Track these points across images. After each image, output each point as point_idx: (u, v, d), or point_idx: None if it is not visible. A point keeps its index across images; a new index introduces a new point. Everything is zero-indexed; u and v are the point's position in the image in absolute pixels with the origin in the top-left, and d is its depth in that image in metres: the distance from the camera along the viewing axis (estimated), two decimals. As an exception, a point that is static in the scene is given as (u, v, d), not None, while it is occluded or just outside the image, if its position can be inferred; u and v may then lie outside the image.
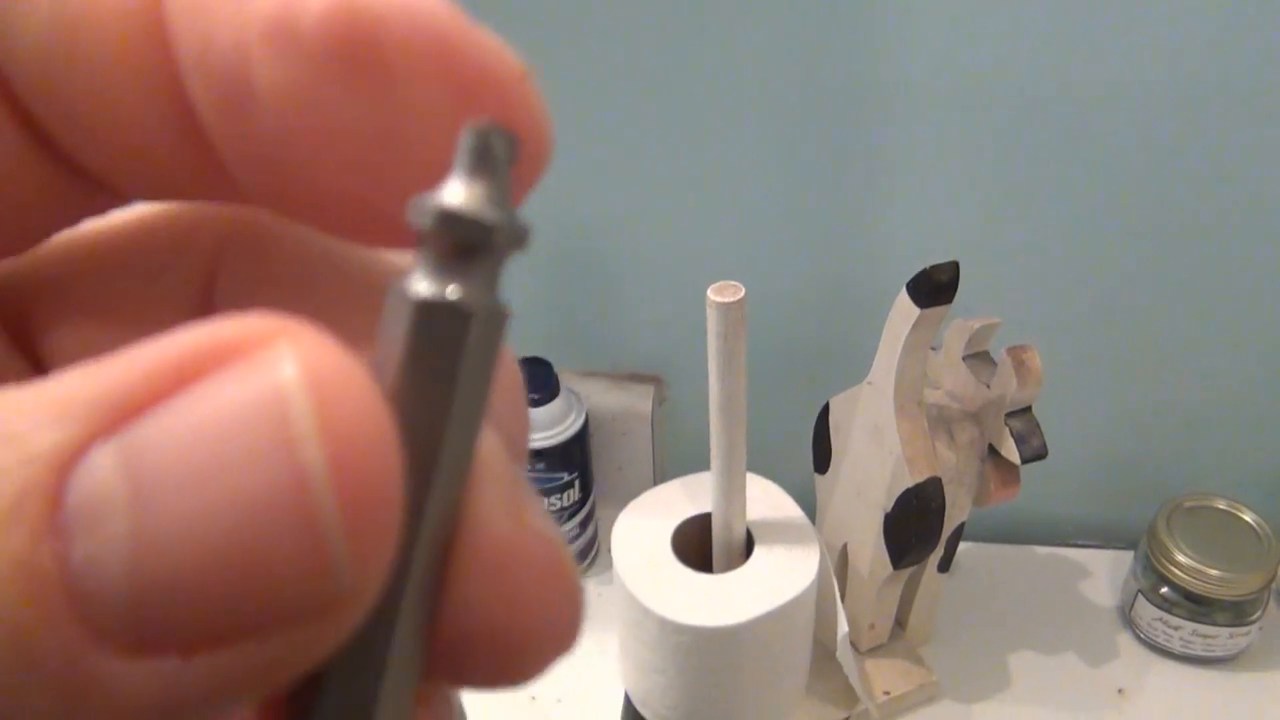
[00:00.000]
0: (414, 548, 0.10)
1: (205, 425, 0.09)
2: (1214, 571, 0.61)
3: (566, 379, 0.69)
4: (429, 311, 0.10)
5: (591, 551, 0.74)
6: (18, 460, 0.08)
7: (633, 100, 0.62)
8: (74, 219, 0.13)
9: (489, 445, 0.12)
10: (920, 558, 0.57)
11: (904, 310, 0.50)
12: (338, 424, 0.09)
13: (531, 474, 0.66)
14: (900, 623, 0.66)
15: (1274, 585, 0.62)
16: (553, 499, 0.68)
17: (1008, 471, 0.56)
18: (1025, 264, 0.65)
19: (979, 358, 0.56)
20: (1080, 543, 0.74)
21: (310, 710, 0.10)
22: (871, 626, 0.63)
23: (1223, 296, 0.65)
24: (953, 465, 0.55)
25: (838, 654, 0.55)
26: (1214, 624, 0.62)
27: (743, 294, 0.40)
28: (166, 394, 0.09)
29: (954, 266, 0.48)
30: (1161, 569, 0.63)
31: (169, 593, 0.08)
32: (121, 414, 0.09)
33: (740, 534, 0.48)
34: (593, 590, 0.72)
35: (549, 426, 0.66)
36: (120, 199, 0.13)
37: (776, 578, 0.45)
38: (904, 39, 0.58)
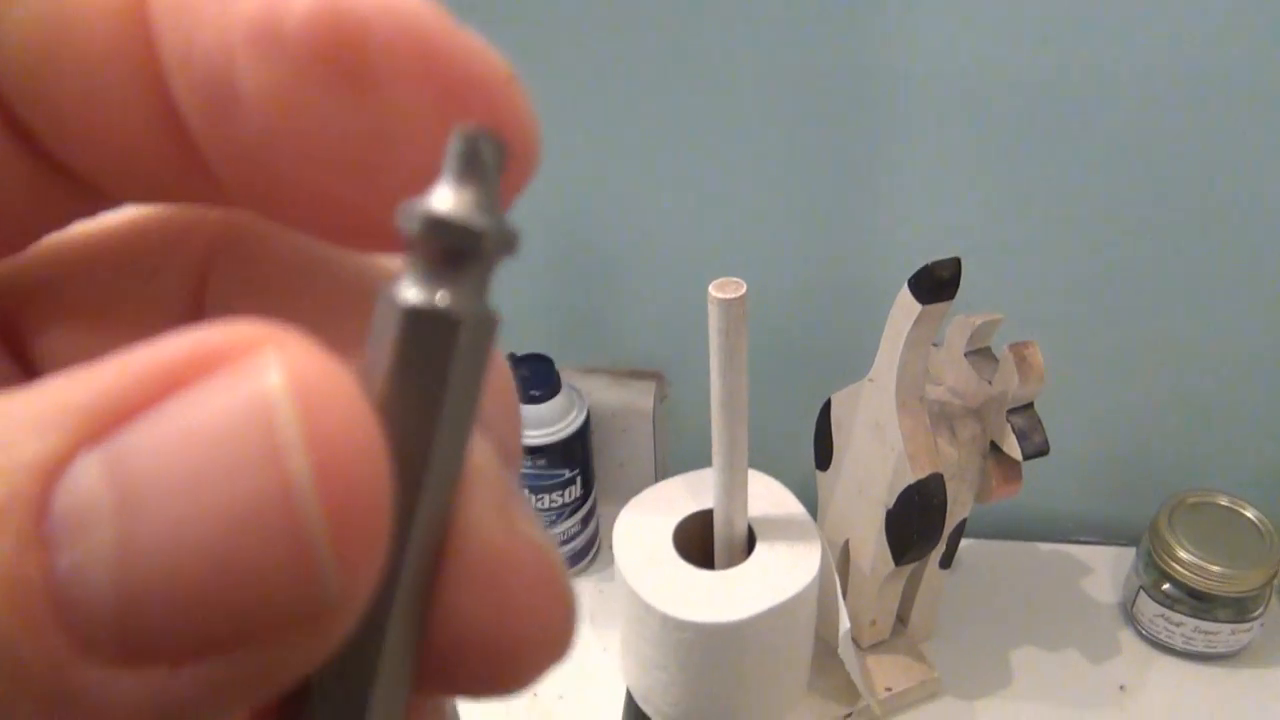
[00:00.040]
0: (403, 555, 0.10)
1: (191, 433, 0.09)
2: (1216, 568, 0.61)
3: (568, 376, 0.69)
4: (418, 319, 0.10)
5: (593, 548, 0.74)
6: (2, 469, 0.08)
7: (634, 96, 0.62)
8: (63, 221, 0.13)
9: (480, 451, 0.12)
10: (922, 554, 0.57)
11: (906, 306, 0.50)
12: (323, 432, 0.09)
13: (533, 470, 0.66)
14: (902, 619, 0.66)
15: (1276, 582, 0.62)
16: (554, 496, 0.68)
17: (1010, 468, 0.56)
18: (1027, 260, 0.65)
19: (981, 354, 0.56)
20: (1082, 539, 0.74)
21: None
22: (873, 623, 0.63)
23: (1225, 292, 0.64)
24: (954, 462, 0.55)
25: (839, 650, 0.55)
26: (1216, 620, 0.62)
27: (744, 290, 0.40)
28: (152, 401, 0.09)
29: (956, 262, 0.48)
30: (1163, 565, 0.63)
31: (156, 602, 0.08)
32: (107, 422, 0.09)
33: (742, 530, 0.48)
34: (594, 587, 0.72)
35: (550, 423, 0.66)
36: (109, 201, 0.13)
37: (778, 574, 0.45)
38: (906, 34, 0.58)
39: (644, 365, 0.74)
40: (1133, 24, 0.56)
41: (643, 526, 0.49)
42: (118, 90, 0.11)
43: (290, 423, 0.09)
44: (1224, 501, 0.65)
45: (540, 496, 0.67)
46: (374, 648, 0.10)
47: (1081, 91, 0.58)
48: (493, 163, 0.10)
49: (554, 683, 0.64)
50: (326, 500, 0.09)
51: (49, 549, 0.08)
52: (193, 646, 0.09)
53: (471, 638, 0.11)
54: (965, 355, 0.56)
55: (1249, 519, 0.64)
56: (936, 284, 0.48)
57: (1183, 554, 0.62)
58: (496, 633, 0.11)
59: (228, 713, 0.09)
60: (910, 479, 0.53)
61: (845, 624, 0.54)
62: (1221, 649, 0.64)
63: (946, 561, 0.62)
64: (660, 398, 0.74)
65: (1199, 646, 0.64)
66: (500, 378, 0.13)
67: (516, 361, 0.66)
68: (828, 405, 0.60)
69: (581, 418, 0.67)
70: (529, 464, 0.66)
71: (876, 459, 0.55)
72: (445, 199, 0.10)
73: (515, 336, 0.70)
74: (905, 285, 0.50)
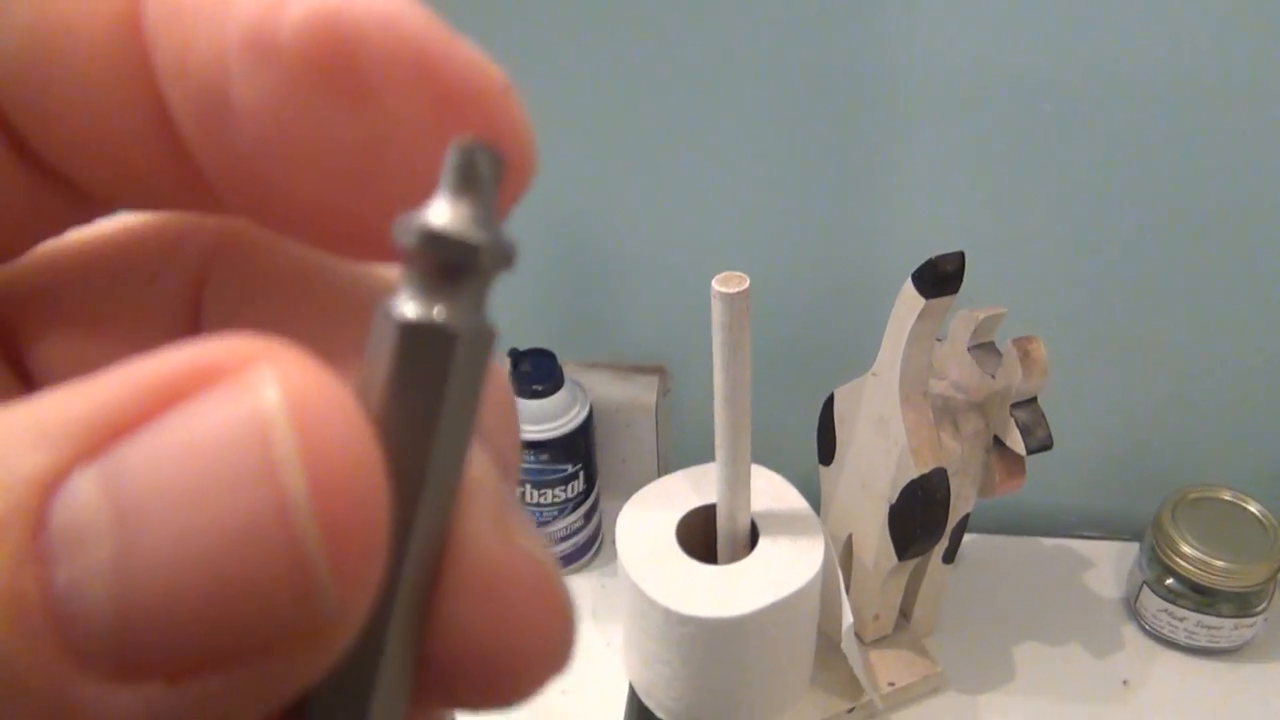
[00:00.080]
0: (401, 569, 0.10)
1: (187, 449, 0.09)
2: (1219, 563, 0.61)
3: (570, 370, 0.69)
4: (414, 333, 0.10)
5: (595, 543, 0.74)
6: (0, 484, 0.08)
7: (637, 92, 0.62)
8: (58, 228, 0.13)
9: (478, 465, 0.12)
10: (925, 549, 0.57)
11: (909, 300, 0.50)
12: (320, 447, 0.09)
13: (535, 465, 0.66)
14: (905, 614, 0.66)
15: (1279, 576, 0.62)
16: (556, 491, 0.68)
17: (1013, 463, 0.56)
18: (1031, 254, 0.65)
19: (984, 348, 0.56)
20: (1085, 534, 0.74)
21: None
22: (876, 618, 0.63)
23: (1229, 287, 0.64)
24: (958, 456, 0.55)
25: (842, 645, 0.55)
26: (1219, 615, 0.62)
27: (747, 284, 0.40)
28: (149, 416, 0.09)
29: (959, 256, 0.48)
30: (1167, 560, 0.62)
31: (153, 618, 0.08)
32: (104, 436, 0.09)
33: (745, 525, 0.48)
34: (597, 582, 0.72)
35: (553, 418, 0.66)
36: (104, 208, 0.13)
37: (781, 569, 0.45)
38: (909, 29, 0.58)
39: (647, 360, 0.74)
40: (1135, 21, 0.55)
41: (645, 521, 0.49)
42: (112, 99, 0.11)
43: (286, 438, 0.09)
44: (1227, 496, 0.65)
45: (543, 491, 0.67)
46: (372, 661, 0.10)
47: (1084, 88, 0.58)
48: (489, 176, 0.10)
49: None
50: (323, 515, 0.09)
51: (47, 563, 0.08)
52: (190, 662, 0.09)
53: (470, 650, 0.11)
54: (969, 350, 0.55)
55: (1252, 514, 0.64)
56: (940, 278, 0.48)
57: (1186, 549, 0.62)
58: (495, 645, 0.11)
59: None
60: (913, 474, 0.52)
61: (848, 619, 0.54)
62: (1225, 644, 0.64)
63: (949, 556, 0.62)
64: (663, 392, 0.74)
65: (1202, 641, 0.64)
66: (498, 389, 0.13)
67: (519, 356, 0.66)
68: (831, 400, 0.60)
69: (584, 413, 0.67)
70: (531, 459, 0.66)
71: (880, 453, 0.55)
72: (442, 213, 0.10)
73: (518, 331, 0.70)
74: (909, 279, 0.50)
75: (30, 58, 0.11)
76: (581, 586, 0.71)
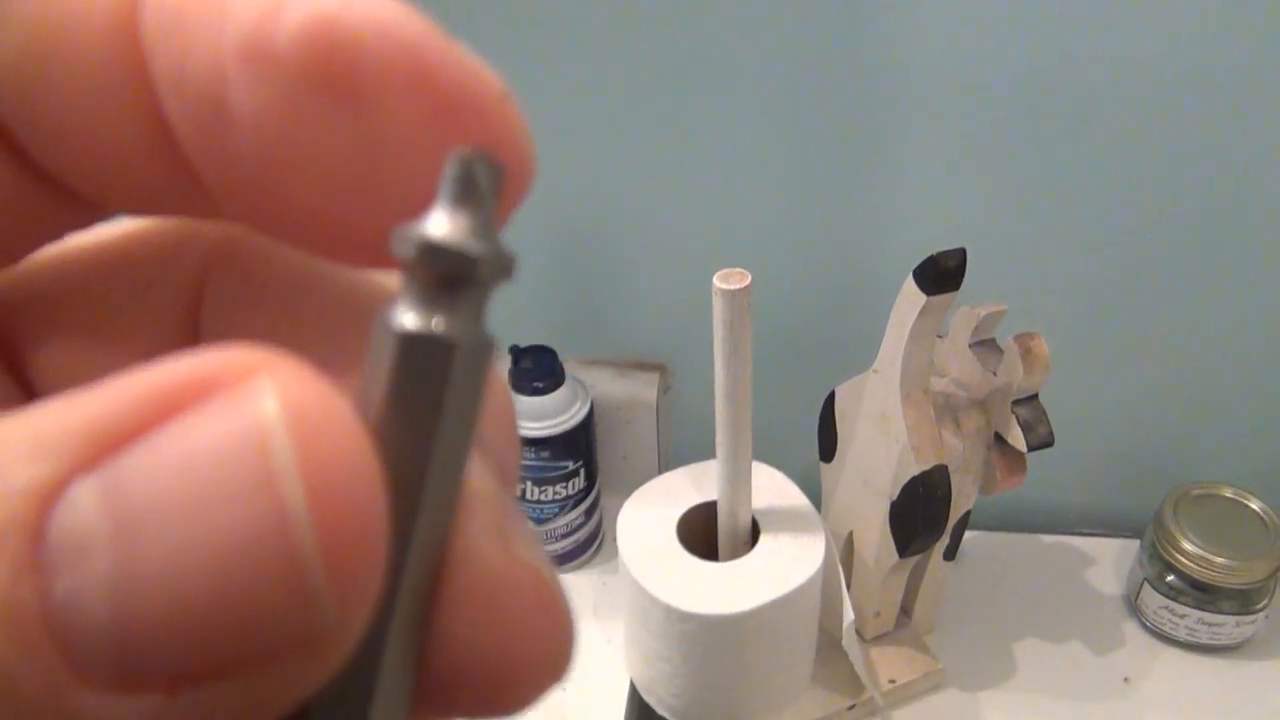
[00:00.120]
0: (400, 580, 0.10)
1: (186, 460, 0.09)
2: (1220, 560, 0.60)
3: (571, 367, 0.69)
4: (413, 344, 0.10)
5: (596, 540, 0.74)
6: None
7: (638, 89, 0.62)
8: (57, 234, 0.13)
9: (478, 475, 0.12)
10: (926, 546, 0.57)
11: (910, 297, 0.50)
12: (318, 459, 0.09)
13: (536, 462, 0.66)
14: (906, 611, 0.66)
15: (1281, 573, 0.62)
16: (557, 488, 0.68)
17: (1014, 459, 0.56)
18: (1032, 251, 0.65)
19: (985, 345, 0.56)
20: (1086, 531, 0.74)
21: None
22: (877, 614, 0.63)
23: (1231, 283, 0.64)
24: (959, 453, 0.55)
25: (843, 642, 0.55)
26: (1220, 612, 0.62)
27: (749, 281, 0.40)
28: (148, 427, 0.09)
29: (961, 253, 0.48)
30: (1168, 557, 0.62)
31: (152, 629, 0.08)
32: (103, 447, 0.09)
33: (746, 522, 0.48)
34: (598, 579, 0.72)
35: (553, 415, 0.66)
36: (102, 214, 0.13)
37: (782, 566, 0.45)
38: (911, 26, 0.57)
39: (648, 357, 0.74)
40: (1136, 18, 0.55)
41: (646, 518, 0.49)
42: (109, 106, 0.11)
43: (284, 449, 0.09)
44: (1229, 493, 0.64)
45: (544, 488, 0.67)
46: (371, 671, 0.10)
47: (1087, 83, 0.58)
48: (488, 187, 0.10)
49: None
50: (321, 526, 0.09)
51: (45, 574, 0.08)
52: (189, 672, 0.09)
53: (470, 660, 0.11)
54: (970, 346, 0.55)
55: (1254, 510, 0.63)
56: (942, 274, 0.48)
57: (1187, 546, 0.61)
58: (495, 655, 0.11)
59: None
60: (914, 471, 0.52)
61: (849, 616, 0.54)
62: (1226, 641, 0.64)
63: (951, 553, 0.62)
64: (664, 389, 0.74)
65: (1203, 638, 0.64)
66: (499, 400, 0.13)
67: (520, 353, 0.66)
68: (832, 397, 0.60)
69: (585, 409, 0.67)
70: (532, 456, 0.66)
71: (881, 450, 0.55)
72: (441, 224, 0.10)
73: (519, 328, 0.70)
74: (910, 276, 0.49)
75: (27, 64, 0.11)
76: (582, 583, 0.71)
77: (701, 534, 0.49)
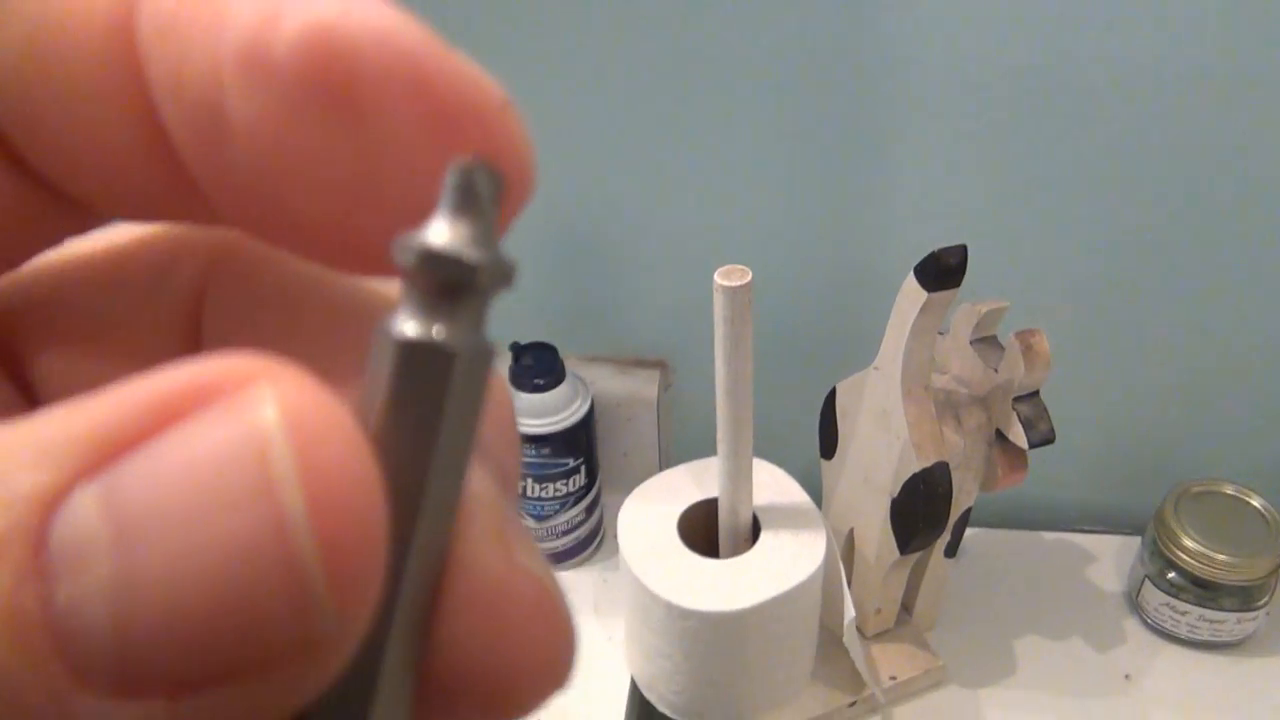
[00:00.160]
0: (400, 586, 0.10)
1: (186, 468, 0.09)
2: (1221, 557, 0.60)
3: (572, 364, 0.69)
4: (413, 352, 0.10)
5: (597, 537, 0.74)
6: (1, 501, 0.08)
7: (639, 85, 0.62)
8: (55, 239, 0.13)
9: (479, 482, 0.12)
10: (927, 543, 0.57)
11: (911, 294, 0.50)
12: (318, 467, 0.09)
13: (537, 459, 0.66)
14: (906, 608, 0.66)
15: (1282, 570, 0.62)
16: (558, 485, 0.68)
17: (1015, 456, 0.56)
18: (1034, 248, 0.65)
19: (987, 342, 0.56)
20: (1087, 528, 0.74)
21: None
22: (878, 611, 0.63)
23: (1232, 280, 0.64)
24: (960, 450, 0.55)
25: (844, 639, 0.55)
26: (1221, 609, 0.62)
27: (750, 278, 0.40)
28: (148, 434, 0.09)
29: (962, 250, 0.48)
30: (1169, 554, 0.62)
31: (153, 635, 0.08)
32: (104, 455, 0.09)
33: (746, 519, 0.48)
34: (599, 576, 0.72)
35: (554, 412, 0.66)
36: (100, 219, 0.13)
37: (783, 563, 0.45)
38: (912, 21, 0.57)
39: (648, 354, 0.74)
40: (1138, 14, 0.55)
41: (647, 515, 0.49)
42: (105, 113, 0.11)
43: (284, 457, 0.09)
44: (1230, 490, 0.64)
45: (544, 486, 0.67)
46: (371, 677, 0.10)
47: (1088, 79, 0.58)
48: (488, 195, 0.11)
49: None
50: (321, 534, 0.09)
51: (47, 581, 0.08)
52: (190, 678, 0.09)
53: (471, 667, 0.11)
54: (971, 343, 0.55)
55: (1255, 508, 0.63)
56: (943, 271, 0.48)
57: (1188, 542, 0.61)
58: (495, 662, 0.11)
59: None
60: (915, 467, 0.52)
61: (850, 612, 0.54)
62: (1227, 638, 0.64)
63: (951, 550, 0.62)
64: (665, 386, 0.74)
65: (1204, 635, 0.64)
66: (500, 406, 0.13)
67: (520, 350, 0.66)
68: (833, 394, 0.60)
69: (586, 406, 0.67)
70: (533, 453, 0.66)
71: (882, 447, 0.55)
72: (441, 233, 0.10)
73: (519, 325, 0.70)
74: (911, 273, 0.49)
75: (24, 70, 0.11)
76: (583, 581, 0.71)
77: (702, 531, 0.49)
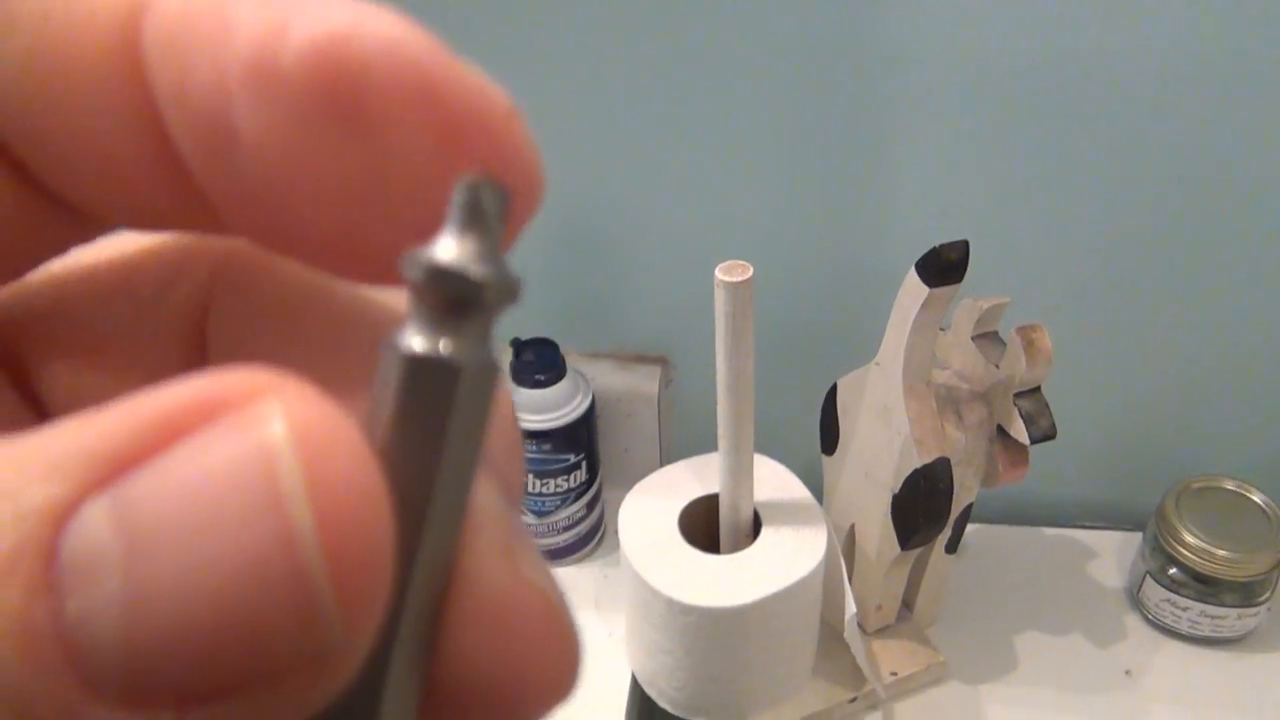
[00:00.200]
0: (406, 599, 0.10)
1: (196, 483, 0.09)
2: (1222, 552, 0.60)
3: (573, 360, 0.69)
4: (419, 367, 0.10)
5: (598, 533, 0.74)
6: (12, 516, 0.09)
7: (639, 81, 0.62)
8: (59, 248, 0.13)
9: (485, 495, 0.12)
10: (928, 539, 0.57)
11: (913, 290, 0.50)
12: (326, 482, 0.09)
13: (538, 455, 0.66)
14: (907, 604, 0.66)
15: (1283, 566, 0.62)
16: (559, 480, 0.68)
17: (1016, 452, 0.56)
18: (1035, 243, 0.65)
19: (988, 338, 0.56)
20: (1088, 524, 0.74)
21: None
22: (879, 607, 0.63)
23: (1233, 276, 0.64)
24: (961, 446, 0.55)
25: (845, 635, 0.55)
26: (1222, 605, 0.62)
27: (751, 273, 0.40)
28: (158, 448, 0.09)
29: (964, 245, 0.48)
30: (1170, 550, 0.62)
31: (162, 647, 0.08)
32: (114, 468, 0.09)
33: (747, 515, 0.48)
34: (599, 572, 0.72)
35: (555, 408, 0.66)
36: (105, 229, 0.13)
37: (784, 559, 0.45)
38: (913, 16, 0.57)
39: (649, 350, 0.74)
40: (1139, 10, 0.55)
41: (648, 511, 0.49)
42: (110, 123, 0.11)
43: (292, 471, 0.09)
44: (1231, 486, 0.64)
45: (545, 481, 0.67)
46: (377, 689, 0.10)
47: (1089, 74, 0.58)
48: (495, 211, 0.11)
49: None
50: (328, 548, 0.09)
51: (58, 594, 0.08)
52: (198, 690, 0.09)
53: (476, 680, 0.11)
54: (972, 339, 0.55)
55: (1256, 503, 0.63)
56: (944, 267, 0.48)
57: (1189, 538, 0.61)
58: (501, 675, 0.11)
59: None
60: (916, 463, 0.52)
61: (851, 608, 0.54)
62: (1228, 633, 0.64)
63: (952, 546, 0.62)
64: (665, 382, 0.74)
65: (1205, 631, 0.64)
66: (505, 419, 0.13)
67: (521, 346, 0.66)
68: (834, 389, 0.60)
69: (586, 402, 0.67)
70: (534, 448, 0.66)
71: (883, 443, 0.55)
72: (449, 249, 0.10)
73: (520, 321, 0.70)
74: (912, 269, 0.49)
75: (28, 80, 0.11)
76: (584, 576, 0.71)
77: (703, 527, 0.49)
